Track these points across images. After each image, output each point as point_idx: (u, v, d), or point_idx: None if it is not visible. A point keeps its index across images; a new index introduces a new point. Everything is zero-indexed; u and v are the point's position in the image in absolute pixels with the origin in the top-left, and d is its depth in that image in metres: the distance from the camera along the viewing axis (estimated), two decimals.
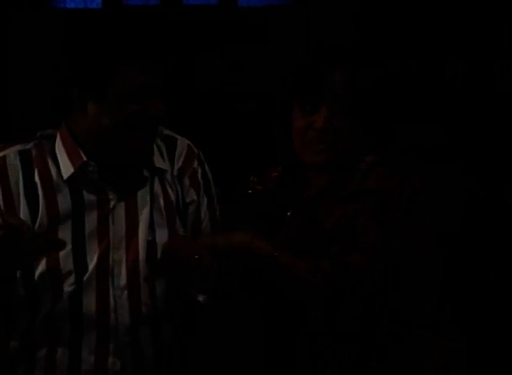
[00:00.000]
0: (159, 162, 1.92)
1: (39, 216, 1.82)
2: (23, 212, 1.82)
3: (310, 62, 1.89)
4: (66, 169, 1.84)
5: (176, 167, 1.95)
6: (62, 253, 1.82)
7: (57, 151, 1.87)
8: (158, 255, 1.85)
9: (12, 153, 1.86)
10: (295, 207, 1.90)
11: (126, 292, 1.85)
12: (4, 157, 1.85)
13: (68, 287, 1.83)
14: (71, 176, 1.84)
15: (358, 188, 1.80)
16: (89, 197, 1.85)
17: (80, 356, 1.85)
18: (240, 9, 4.92)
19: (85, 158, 1.84)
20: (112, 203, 1.86)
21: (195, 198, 1.96)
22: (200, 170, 1.99)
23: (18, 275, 1.84)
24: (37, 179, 1.84)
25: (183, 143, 2.00)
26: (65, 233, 1.83)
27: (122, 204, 1.87)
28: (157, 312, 1.90)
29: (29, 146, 1.88)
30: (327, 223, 1.78)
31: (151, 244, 1.88)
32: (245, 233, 1.79)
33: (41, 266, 1.82)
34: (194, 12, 4.87)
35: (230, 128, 5.12)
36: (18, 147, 1.88)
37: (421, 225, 1.80)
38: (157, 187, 1.91)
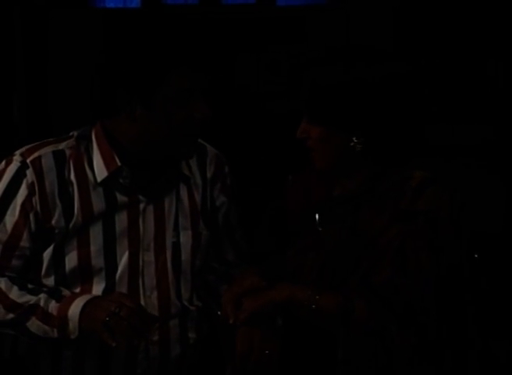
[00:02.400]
0: (186, 169, 1.95)
1: (74, 215, 1.85)
2: (58, 213, 1.85)
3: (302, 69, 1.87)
4: (100, 172, 1.86)
5: (209, 174, 1.99)
6: (93, 250, 1.85)
7: (92, 154, 1.88)
8: (182, 256, 1.91)
9: (47, 154, 1.87)
10: (322, 210, 1.87)
11: (155, 292, 1.89)
12: (39, 157, 1.86)
13: (98, 285, 1.85)
14: (104, 180, 1.86)
15: (411, 208, 1.75)
16: (121, 198, 1.88)
17: (110, 353, 1.86)
18: (279, 8, 4.91)
19: (119, 164, 1.86)
20: (142, 205, 1.89)
21: (226, 201, 2.01)
22: (229, 178, 2.03)
23: (45, 267, 1.86)
24: (72, 179, 1.86)
25: (212, 151, 2.04)
26: (96, 232, 1.86)
27: (151, 207, 1.90)
28: (184, 312, 1.93)
29: (62, 146, 1.90)
30: (381, 242, 1.73)
31: (175, 245, 1.91)
32: (285, 286, 1.78)
33: (73, 261, 1.84)
34: (233, 11, 4.88)
35: (268, 127, 5.11)
36: (52, 147, 1.89)
37: (464, 241, 1.76)
38: (183, 191, 1.94)
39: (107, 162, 1.86)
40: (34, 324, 1.82)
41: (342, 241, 1.79)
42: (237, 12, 4.86)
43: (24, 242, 1.84)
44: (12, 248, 1.84)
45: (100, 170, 1.87)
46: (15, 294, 1.83)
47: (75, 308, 1.78)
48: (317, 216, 1.86)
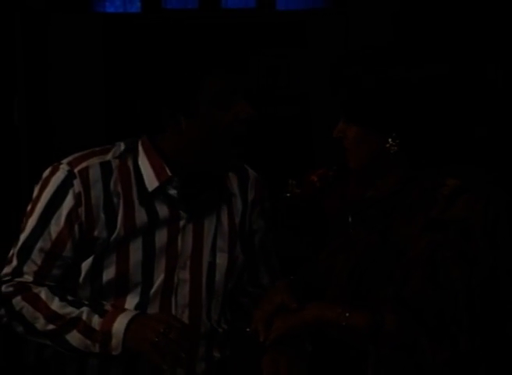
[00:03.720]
0: (234, 189, 1.96)
1: (116, 228, 1.84)
2: (101, 225, 1.84)
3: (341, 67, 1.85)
4: (151, 182, 1.85)
5: (250, 197, 1.99)
6: (132, 265, 1.84)
7: (140, 165, 1.88)
8: (216, 277, 1.91)
9: (94, 165, 1.86)
10: (355, 212, 1.86)
11: (187, 311, 1.88)
12: (87, 168, 1.85)
13: (132, 299, 1.85)
14: (155, 190, 1.85)
15: (443, 216, 1.72)
16: (163, 213, 1.87)
17: (136, 368, 1.86)
18: (279, 13, 4.92)
19: (170, 174, 1.85)
20: (182, 222, 1.88)
21: (263, 226, 2.01)
22: (267, 202, 2.04)
23: (82, 278, 1.86)
24: (117, 191, 1.85)
25: (253, 174, 2.04)
26: (136, 246, 1.85)
27: (191, 224, 1.89)
28: (212, 332, 1.93)
29: (109, 157, 1.89)
30: (412, 252, 1.71)
31: (211, 266, 1.91)
32: (314, 305, 1.78)
33: (110, 274, 1.84)
34: (232, 15, 4.88)
35: (269, 131, 5.11)
36: (99, 158, 1.88)
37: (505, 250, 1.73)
38: (223, 212, 1.94)
39: (157, 172, 1.85)
40: (75, 337, 1.80)
41: (372, 246, 1.78)
42: (237, 16, 4.87)
43: (67, 252, 1.83)
44: (55, 257, 1.83)
45: (150, 180, 1.85)
46: (56, 304, 1.81)
47: (119, 325, 1.76)
48: (349, 218, 1.85)
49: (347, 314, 1.70)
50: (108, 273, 1.84)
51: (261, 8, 4.91)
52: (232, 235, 1.94)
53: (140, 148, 1.90)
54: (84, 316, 1.79)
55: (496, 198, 1.73)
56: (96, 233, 1.83)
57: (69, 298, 1.83)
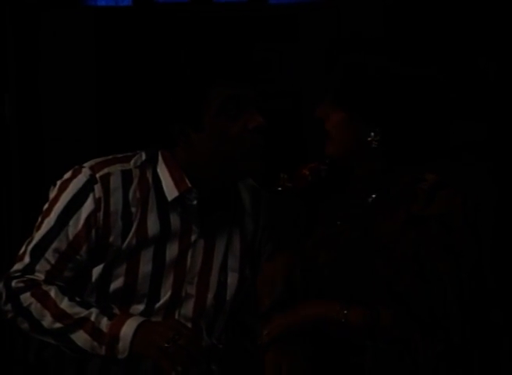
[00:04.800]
0: (247, 204, 1.97)
1: (129, 237, 1.84)
2: (116, 232, 1.85)
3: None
4: (170, 191, 1.86)
5: (262, 221, 1.99)
6: (140, 276, 1.85)
7: (160, 175, 1.87)
8: (227, 297, 1.92)
9: (116, 172, 1.87)
10: (340, 210, 1.85)
11: (189, 325, 1.88)
12: (108, 174, 1.86)
13: (136, 308, 1.86)
14: (174, 200, 1.86)
15: (422, 213, 1.73)
16: (175, 226, 1.87)
17: (137, 365, 1.87)
18: (271, 7, 4.91)
19: (190, 185, 1.85)
20: (193, 237, 1.89)
21: (271, 247, 2.00)
22: (277, 225, 2.03)
23: (90, 284, 1.87)
24: (136, 200, 1.85)
25: (265, 196, 2.03)
26: (147, 257, 1.86)
27: (202, 240, 1.90)
28: (212, 348, 1.94)
29: (130, 165, 1.90)
30: (398, 248, 1.71)
31: (221, 285, 1.92)
32: (312, 302, 1.77)
33: (118, 283, 1.84)
34: (224, 9, 4.87)
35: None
36: (121, 166, 1.89)
37: (480, 245, 1.74)
38: (235, 232, 1.94)
39: (177, 182, 1.86)
40: (82, 338, 1.80)
41: (353, 241, 1.78)
42: (229, 10, 4.86)
43: (81, 255, 1.85)
44: (69, 258, 1.84)
45: (170, 190, 1.86)
46: (65, 303, 1.81)
47: (128, 329, 1.76)
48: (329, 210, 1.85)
49: (345, 311, 1.71)
50: (117, 282, 1.85)
51: (253, 1, 4.90)
52: (242, 255, 1.94)
53: (160, 159, 1.90)
54: (93, 317, 1.79)
55: (473, 192, 1.75)
56: (111, 239, 1.84)
57: (78, 299, 1.84)
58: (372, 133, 1.76)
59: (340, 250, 1.79)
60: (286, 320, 1.77)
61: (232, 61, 1.82)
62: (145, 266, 1.85)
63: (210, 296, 1.90)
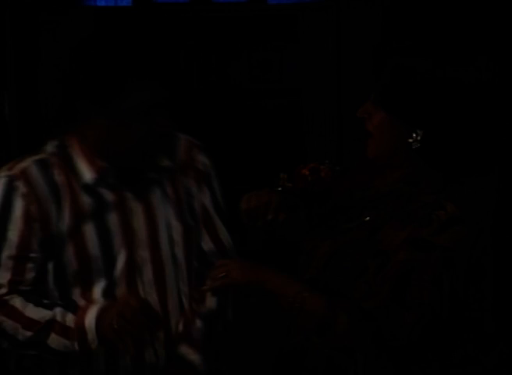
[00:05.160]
0: (163, 161, 1.95)
1: (66, 219, 1.84)
2: (54, 219, 1.84)
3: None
4: (86, 174, 1.86)
5: (180, 162, 1.98)
6: (91, 252, 1.85)
7: (74, 158, 1.88)
8: (175, 250, 1.91)
9: (31, 164, 1.87)
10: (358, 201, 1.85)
11: (154, 288, 1.89)
12: (25, 168, 1.86)
13: (98, 285, 1.86)
14: (93, 181, 1.86)
15: (431, 239, 1.72)
16: (109, 198, 1.88)
17: (117, 367, 1.86)
18: (270, 7, 4.92)
19: (103, 164, 1.87)
20: (130, 204, 1.89)
21: (198, 190, 2.00)
22: (201, 162, 2.01)
23: (50, 276, 1.86)
24: (60, 184, 1.86)
25: (182, 138, 2.02)
26: (90, 234, 1.85)
27: (141, 205, 1.90)
28: (181, 306, 1.94)
29: (44, 155, 1.90)
30: (392, 258, 1.71)
31: (169, 240, 1.92)
32: (278, 274, 1.77)
33: (73, 265, 1.84)
34: (224, 9, 4.88)
35: (260, 125, 5.11)
36: (34, 157, 1.89)
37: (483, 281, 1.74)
38: (167, 185, 1.95)
39: (92, 164, 1.86)
40: (54, 340, 1.80)
41: (357, 240, 1.78)
42: (228, 10, 4.86)
43: (34, 252, 1.83)
44: (24, 260, 1.83)
45: (87, 173, 1.86)
46: (30, 311, 1.81)
47: (90, 318, 1.77)
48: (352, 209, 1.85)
49: (305, 295, 1.71)
50: (71, 267, 1.84)
51: (253, 1, 4.90)
52: (180, 205, 1.95)
53: (72, 142, 1.90)
54: (58, 317, 1.80)
55: (486, 230, 1.74)
56: (52, 226, 1.83)
57: (45, 301, 1.83)
58: (414, 135, 1.75)
59: (342, 244, 1.79)
60: (244, 276, 1.77)
61: (153, 67, 1.82)
62: (92, 243, 1.85)
63: (165, 255, 1.91)
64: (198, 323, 1.92)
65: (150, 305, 1.78)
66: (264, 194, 1.89)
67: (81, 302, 1.83)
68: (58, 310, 1.80)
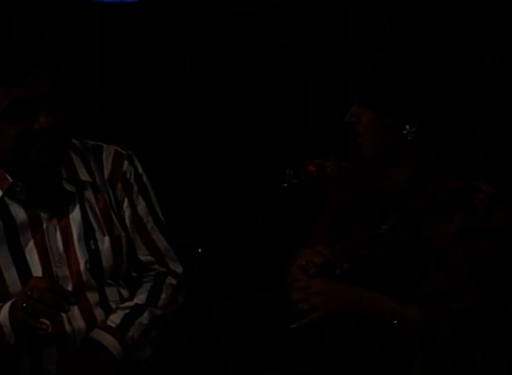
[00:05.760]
0: (84, 175, 1.91)
1: None
2: None
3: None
4: None
5: (106, 174, 1.94)
6: (7, 277, 1.82)
7: None
8: (103, 263, 1.88)
9: None
10: (375, 205, 1.82)
11: (76, 307, 1.84)
12: None
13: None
14: (0, 200, 1.83)
15: (484, 224, 1.69)
16: (20, 218, 1.85)
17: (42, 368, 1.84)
18: (276, 2, 4.91)
19: (11, 180, 1.83)
20: (44, 222, 1.86)
21: (130, 201, 1.96)
22: (131, 172, 1.97)
23: None
24: None
25: (108, 149, 1.98)
26: (4, 257, 1.83)
27: (55, 221, 1.87)
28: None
29: None
30: (452, 254, 1.68)
31: (94, 253, 1.88)
32: (364, 291, 1.69)
33: None
34: (230, 5, 4.87)
35: (266, 121, 5.10)
36: None
37: None
38: (89, 197, 1.91)
39: (0, 180, 1.83)
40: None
41: (399, 246, 1.74)
42: (235, 5, 4.86)
43: None
44: None
45: None
46: None
47: (4, 311, 1.76)
48: (376, 212, 1.81)
49: (401, 310, 1.63)
50: None
51: None
52: (106, 217, 1.90)
53: None
54: None
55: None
56: None
57: None
58: (407, 126, 1.74)
59: (383, 254, 1.75)
60: (329, 306, 1.66)
61: (7, 67, 1.77)
62: (7, 265, 1.83)
63: (83, 270, 1.86)
64: (119, 311, 1.87)
65: (61, 286, 1.75)
66: (314, 253, 1.74)
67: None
68: None
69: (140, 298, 1.90)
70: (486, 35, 4.24)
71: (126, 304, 1.89)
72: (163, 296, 1.92)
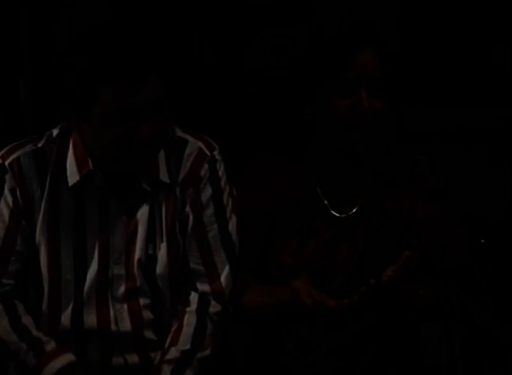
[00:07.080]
0: (164, 175, 1.87)
1: (39, 218, 1.82)
2: (41, 217, 1.83)
3: (341, 40, 1.86)
4: (72, 176, 1.83)
5: (182, 175, 1.89)
6: (63, 258, 1.82)
7: (68, 156, 1.85)
8: (157, 269, 1.85)
9: (26, 153, 1.85)
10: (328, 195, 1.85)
11: (125, 305, 1.85)
12: (17, 159, 1.84)
13: (66, 298, 1.84)
14: (76, 184, 1.83)
15: (437, 188, 1.86)
16: (91, 207, 1.84)
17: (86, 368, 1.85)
18: None
19: (92, 167, 1.82)
20: (113, 215, 1.85)
21: (197, 205, 1.89)
22: (208, 177, 1.90)
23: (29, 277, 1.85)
24: (48, 181, 1.83)
25: (193, 146, 1.92)
26: (67, 241, 1.83)
27: (124, 217, 1.85)
28: (159, 319, 1.91)
29: (42, 143, 1.88)
30: (425, 223, 1.80)
31: (150, 258, 1.86)
32: None
33: (44, 273, 1.83)
34: None
35: (273, 111, 5.09)
36: (31, 146, 1.87)
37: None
38: (161, 200, 1.87)
39: (80, 165, 1.82)
40: (11, 368, 1.83)
41: (377, 224, 1.79)
42: None
43: (19, 247, 1.82)
44: (8, 253, 1.83)
45: (72, 174, 1.83)
46: (3, 327, 1.81)
47: (49, 371, 1.77)
48: (325, 202, 1.84)
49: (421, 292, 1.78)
50: (43, 268, 1.82)
51: None
52: (170, 223, 1.86)
53: (71, 138, 1.87)
54: (21, 354, 1.78)
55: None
56: (38, 226, 1.83)
57: (20, 323, 1.80)
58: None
59: (365, 238, 1.78)
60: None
61: (126, 72, 1.71)
62: (67, 247, 1.82)
63: (137, 273, 1.84)
64: (164, 367, 1.82)
65: None
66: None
67: (48, 316, 1.79)
68: (23, 346, 1.78)
69: (185, 340, 1.82)
70: (495, 26, 4.23)
71: (173, 354, 1.81)
72: (208, 331, 1.84)
